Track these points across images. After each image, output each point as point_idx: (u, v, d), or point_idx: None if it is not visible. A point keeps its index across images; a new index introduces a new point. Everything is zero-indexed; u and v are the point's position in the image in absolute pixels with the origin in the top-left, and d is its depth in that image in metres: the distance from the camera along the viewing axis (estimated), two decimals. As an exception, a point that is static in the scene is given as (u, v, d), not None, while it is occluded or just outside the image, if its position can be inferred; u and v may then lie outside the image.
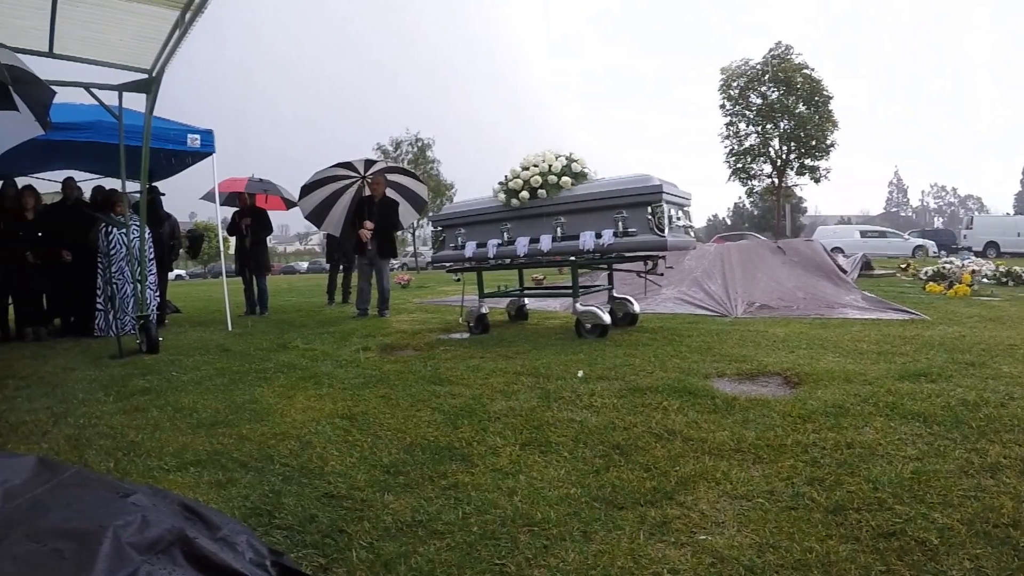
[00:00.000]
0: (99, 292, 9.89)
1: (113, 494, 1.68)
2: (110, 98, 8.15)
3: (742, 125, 46.14)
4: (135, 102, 8.40)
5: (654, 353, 5.78)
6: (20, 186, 10.31)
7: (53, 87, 6.30)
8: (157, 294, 10.54)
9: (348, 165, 12.13)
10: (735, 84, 45.63)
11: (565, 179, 7.35)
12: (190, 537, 1.57)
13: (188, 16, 6.58)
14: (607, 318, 6.96)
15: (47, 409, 5.17)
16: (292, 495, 3.02)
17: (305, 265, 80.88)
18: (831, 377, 4.50)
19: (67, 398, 5.54)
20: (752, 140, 45.94)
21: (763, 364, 5.07)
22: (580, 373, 5.10)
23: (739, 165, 46.45)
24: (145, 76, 7.94)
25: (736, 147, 46.46)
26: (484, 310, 8.25)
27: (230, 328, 10.31)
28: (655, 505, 2.64)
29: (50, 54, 7.36)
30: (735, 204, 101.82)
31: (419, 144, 55.64)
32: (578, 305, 7.19)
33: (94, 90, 7.90)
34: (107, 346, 8.53)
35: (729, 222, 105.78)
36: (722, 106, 46.66)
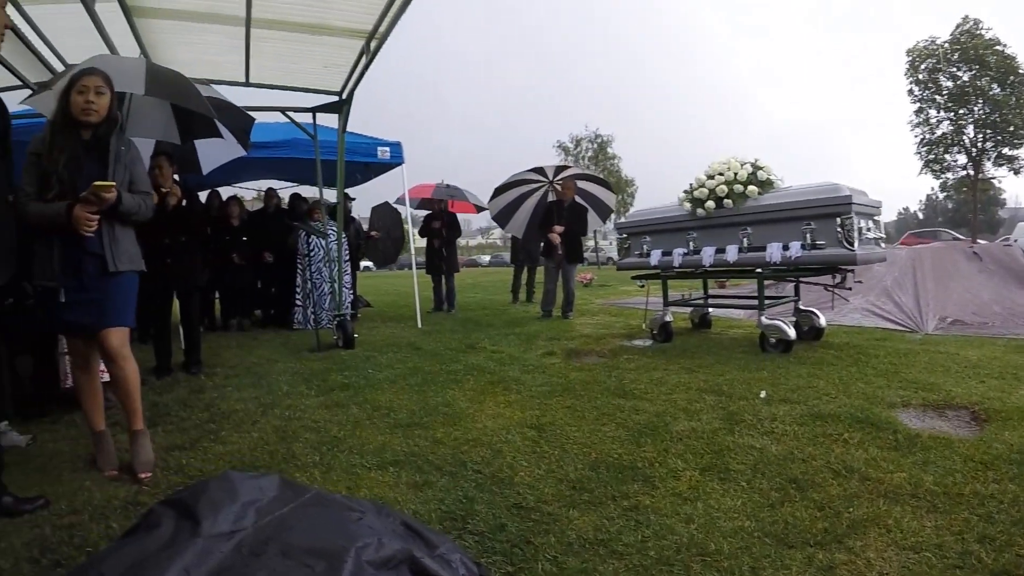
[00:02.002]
0: (298, 289, 10.80)
1: (348, 515, 1.93)
2: (303, 117, 8.86)
3: (932, 111, 42.43)
4: (327, 119, 9.03)
5: (839, 375, 5.63)
6: (225, 197, 11.42)
7: (253, 113, 6.90)
8: (351, 291, 11.26)
9: (540, 170, 12.44)
10: (923, 66, 41.99)
11: (751, 188, 7.25)
12: (416, 557, 1.81)
13: (373, 45, 7.00)
14: (792, 333, 6.81)
15: (255, 399, 5.64)
16: (484, 503, 3.20)
17: (487, 259, 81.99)
18: (1021, 416, 4.24)
19: (272, 389, 6.00)
20: (944, 127, 42.21)
21: (951, 395, 4.84)
22: (763, 394, 5.05)
23: (931, 156, 42.87)
24: (336, 99, 8.55)
25: (927, 136, 42.83)
26: (668, 318, 8.26)
27: (420, 325, 10.73)
28: (824, 547, 2.62)
29: (247, 84, 8.16)
30: (927, 196, 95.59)
31: (599, 141, 55.08)
32: (763, 318, 7.07)
33: (290, 112, 8.65)
34: (304, 339, 9.13)
35: (921, 216, 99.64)
36: (910, 91, 43.12)
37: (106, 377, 4.27)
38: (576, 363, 6.94)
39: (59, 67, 6.88)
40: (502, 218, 13.15)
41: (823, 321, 7.73)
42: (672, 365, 6.47)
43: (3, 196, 3.16)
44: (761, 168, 7.40)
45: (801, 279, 7.89)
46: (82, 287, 3.71)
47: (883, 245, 7.36)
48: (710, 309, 9.40)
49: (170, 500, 1.99)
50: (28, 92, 6.48)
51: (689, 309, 9.36)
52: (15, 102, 3.50)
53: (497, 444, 4.15)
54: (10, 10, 3.21)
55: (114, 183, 3.58)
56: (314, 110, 8.78)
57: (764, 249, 7.07)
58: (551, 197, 12.30)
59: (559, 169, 12.69)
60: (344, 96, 8.50)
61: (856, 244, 6.49)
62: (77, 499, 3.51)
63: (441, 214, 13.37)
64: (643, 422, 4.47)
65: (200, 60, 7.63)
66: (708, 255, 7.59)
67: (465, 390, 5.76)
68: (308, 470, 3.83)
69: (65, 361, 5.55)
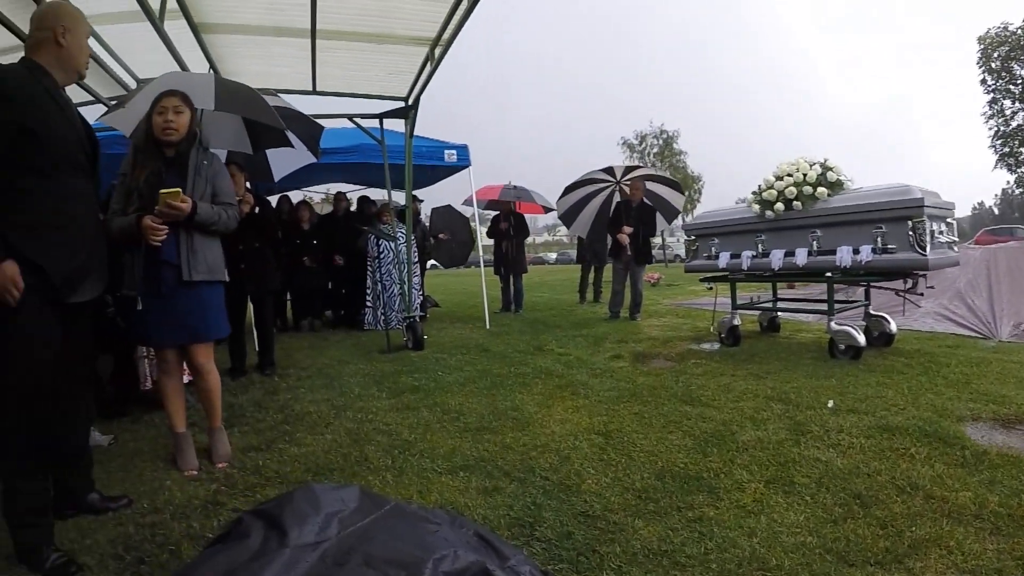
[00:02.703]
0: (368, 291, 11.03)
1: (426, 526, 2.03)
2: (371, 122, 9.11)
3: (1007, 102, 40.68)
4: (395, 122, 9.22)
5: (908, 384, 5.52)
6: (296, 202, 11.89)
7: (321, 120, 7.14)
8: (420, 293, 11.46)
9: (610, 170, 12.51)
10: (995, 55, 40.08)
11: (821, 190, 7.16)
12: (489, 569, 1.89)
13: (437, 52, 7.13)
14: (862, 339, 6.70)
15: (327, 401, 5.81)
16: (551, 510, 3.27)
17: (554, 256, 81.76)
18: (1096, 434, 4.11)
19: (344, 391, 6.16)
20: (1020, 119, 40.38)
21: (1023, 409, 4.71)
22: (830, 403, 5.00)
23: (1006, 149, 40.96)
24: (402, 104, 8.75)
25: (1002, 128, 41.02)
26: (736, 321, 8.22)
27: (488, 326, 10.82)
28: (883, 567, 2.61)
29: (314, 92, 8.42)
30: (1003, 191, 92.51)
31: (664, 136, 54.25)
32: (833, 324, 6.98)
33: (357, 119, 8.86)
34: (374, 340, 9.34)
35: (996, 211, 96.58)
36: (983, 81, 41.31)
37: (187, 378, 4.52)
38: (643, 367, 6.95)
39: (129, 81, 7.17)
40: (568, 217, 13.26)
41: (894, 327, 7.56)
42: (740, 371, 6.46)
43: (95, 215, 3.34)
44: (831, 168, 7.29)
45: (872, 283, 7.70)
46: (160, 295, 3.95)
47: (956, 248, 7.17)
48: (778, 312, 9.32)
49: (258, 510, 2.09)
50: (100, 106, 6.83)
51: (757, 311, 9.31)
52: (90, 118, 3.73)
53: (565, 450, 4.21)
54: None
55: (179, 189, 3.80)
56: (381, 116, 8.97)
57: (834, 252, 6.98)
58: (617, 197, 12.35)
59: (628, 169, 12.72)
60: (410, 102, 8.68)
61: (928, 248, 6.37)
62: (159, 498, 3.69)
63: (509, 215, 13.49)
64: (710, 431, 4.48)
65: (268, 71, 7.92)
66: (777, 258, 7.53)
67: (533, 394, 5.83)
68: (381, 473, 3.94)
69: (144, 364, 5.81)
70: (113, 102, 6.68)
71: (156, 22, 5.83)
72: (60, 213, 3.05)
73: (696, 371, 6.55)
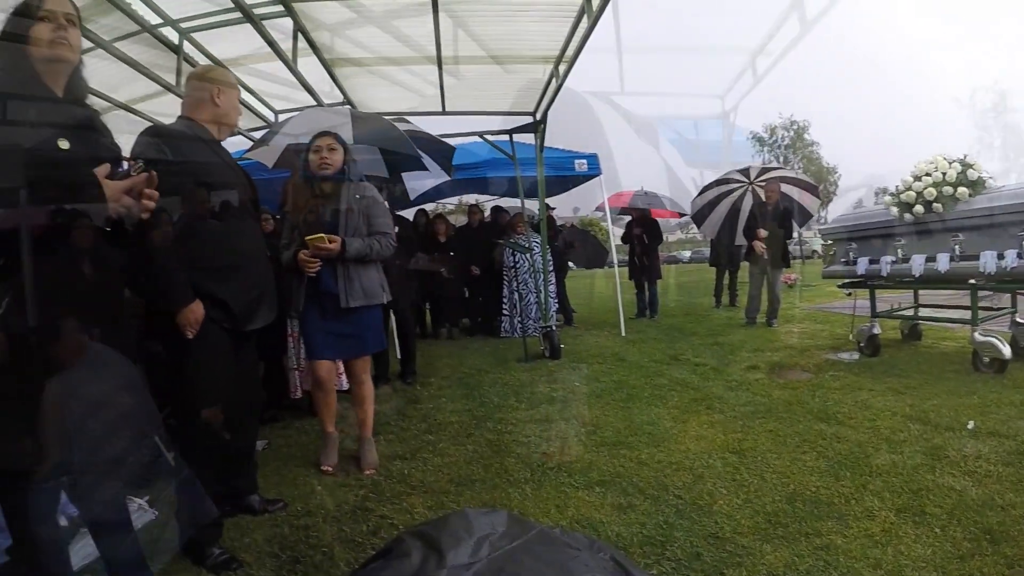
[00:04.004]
0: (505, 300, 11.32)
1: (567, 551, 2.19)
2: (500, 137, 9.35)
3: None
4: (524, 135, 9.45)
5: None
6: (432, 215, 12.27)
7: (452, 139, 7.53)
8: (556, 301, 11.70)
9: (745, 171, 12.45)
10: None
11: (962, 190, 6.79)
12: (622, 594, 2.05)
13: (562, 68, 7.30)
14: (1007, 351, 6.35)
15: (468, 411, 6.05)
16: (682, 530, 3.35)
17: (687, 254, 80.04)
18: None
19: (484, 401, 6.38)
20: None
21: None
22: (970, 424, 4.81)
23: None
24: (530, 119, 8.93)
25: None
26: (876, 330, 7.97)
27: (623, 333, 10.85)
28: None
29: (443, 112, 8.73)
30: None
31: (795, 128, 52.97)
32: (976, 335, 6.66)
33: (487, 135, 9.18)
34: (511, 348, 9.52)
35: None
36: None
37: (343, 387, 5.17)
38: (780, 379, 6.87)
39: (267, 113, 7.66)
40: (698, 218, 13.36)
41: (1042, 335, 7.13)
42: (878, 385, 6.27)
43: (263, 250, 3.71)
44: (971, 166, 6.91)
45: (1018, 291, 7.25)
46: (324, 319, 4.43)
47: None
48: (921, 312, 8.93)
49: (416, 531, 2.31)
50: (239, 137, 7.39)
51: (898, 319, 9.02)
52: (231, 148, 4.21)
53: (698, 469, 4.25)
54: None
55: (323, 235, 4.22)
56: (511, 131, 9.20)
57: (977, 258, 6.59)
58: (749, 199, 12.24)
59: (763, 170, 12.60)
60: (538, 117, 8.87)
61: (1076, 252, 5.97)
62: (311, 502, 4.01)
63: (642, 221, 13.55)
64: (844, 452, 4.40)
65: (397, 96, 8.35)
66: (918, 264, 7.22)
67: (669, 407, 5.87)
68: (520, 487, 4.12)
69: (295, 376, 6.21)
70: (254, 134, 7.19)
71: (290, 64, 6.24)
72: (235, 252, 3.44)
73: (833, 384, 6.42)
